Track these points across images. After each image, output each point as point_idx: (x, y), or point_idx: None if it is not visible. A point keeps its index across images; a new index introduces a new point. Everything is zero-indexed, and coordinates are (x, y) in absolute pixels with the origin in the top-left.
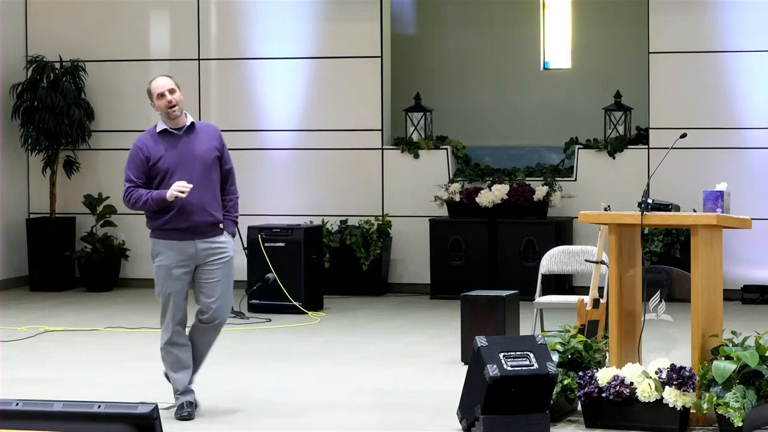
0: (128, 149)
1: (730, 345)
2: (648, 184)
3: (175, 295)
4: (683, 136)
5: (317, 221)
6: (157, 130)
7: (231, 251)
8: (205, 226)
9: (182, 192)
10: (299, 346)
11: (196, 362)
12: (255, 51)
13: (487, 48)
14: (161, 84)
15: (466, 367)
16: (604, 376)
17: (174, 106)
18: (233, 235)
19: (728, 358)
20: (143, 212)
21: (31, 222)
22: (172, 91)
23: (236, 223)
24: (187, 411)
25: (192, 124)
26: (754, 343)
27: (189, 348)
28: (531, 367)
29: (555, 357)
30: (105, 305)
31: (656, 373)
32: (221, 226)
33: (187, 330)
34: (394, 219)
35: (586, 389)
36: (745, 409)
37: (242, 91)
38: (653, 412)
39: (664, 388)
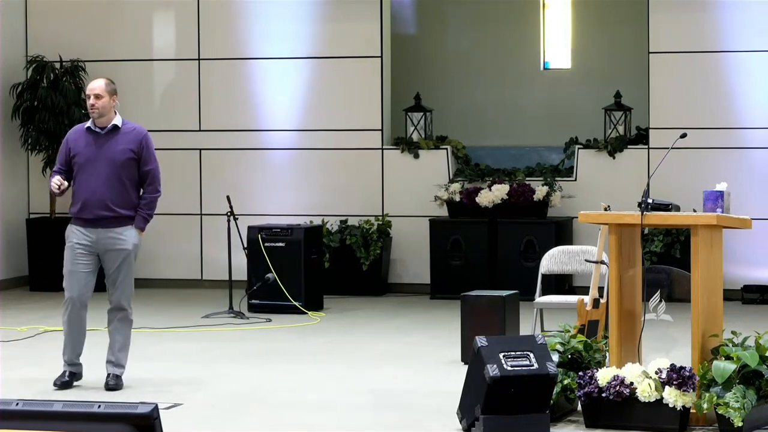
0: None
1: (730, 345)
2: (648, 184)
3: (75, 273)
4: (683, 136)
5: (317, 221)
6: (85, 126)
7: (130, 244)
8: (106, 219)
9: (54, 188)
10: (299, 346)
11: (111, 348)
12: (255, 51)
13: (487, 48)
14: (91, 87)
15: (466, 367)
16: (604, 376)
17: (95, 109)
18: (141, 230)
19: (728, 358)
20: None
21: (31, 222)
22: (98, 97)
23: (146, 220)
24: (59, 381)
25: (115, 126)
26: (754, 343)
27: (81, 327)
28: (531, 367)
29: (555, 357)
30: (105, 305)
31: (656, 373)
32: (131, 219)
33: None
34: (394, 219)
35: (586, 389)
36: (745, 409)
37: (242, 91)
38: (653, 412)
39: (664, 388)
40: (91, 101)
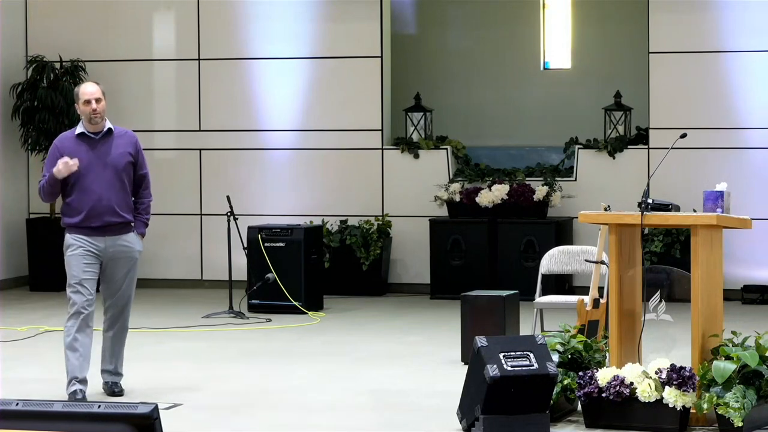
0: None
1: (730, 345)
2: (648, 184)
3: (83, 281)
4: (683, 136)
5: (317, 221)
6: (76, 132)
7: (136, 252)
8: (115, 225)
9: (68, 166)
10: (299, 346)
11: (108, 358)
12: (255, 51)
13: (487, 48)
14: (89, 91)
15: (466, 367)
16: (604, 376)
17: (97, 114)
18: (142, 236)
19: (728, 358)
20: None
21: (31, 222)
22: (98, 101)
23: (146, 225)
24: (73, 398)
25: (109, 129)
26: (754, 343)
27: (88, 336)
28: (531, 367)
29: (555, 357)
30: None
31: (656, 373)
32: (132, 225)
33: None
34: (394, 219)
35: (586, 389)
36: (745, 409)
37: (242, 91)
38: (653, 412)
39: (664, 388)
40: (93, 106)
